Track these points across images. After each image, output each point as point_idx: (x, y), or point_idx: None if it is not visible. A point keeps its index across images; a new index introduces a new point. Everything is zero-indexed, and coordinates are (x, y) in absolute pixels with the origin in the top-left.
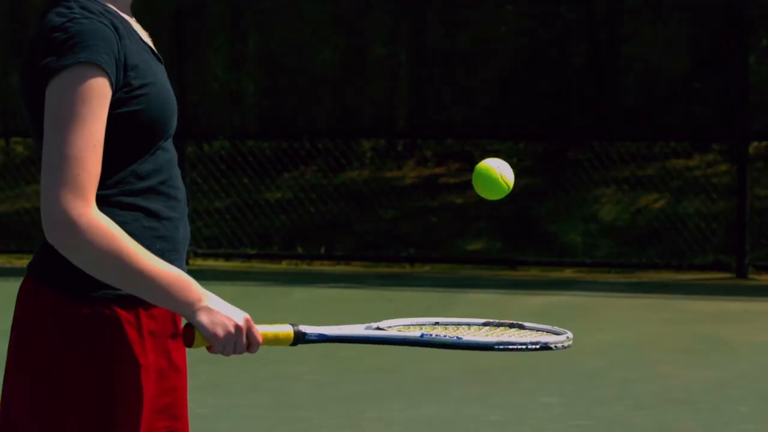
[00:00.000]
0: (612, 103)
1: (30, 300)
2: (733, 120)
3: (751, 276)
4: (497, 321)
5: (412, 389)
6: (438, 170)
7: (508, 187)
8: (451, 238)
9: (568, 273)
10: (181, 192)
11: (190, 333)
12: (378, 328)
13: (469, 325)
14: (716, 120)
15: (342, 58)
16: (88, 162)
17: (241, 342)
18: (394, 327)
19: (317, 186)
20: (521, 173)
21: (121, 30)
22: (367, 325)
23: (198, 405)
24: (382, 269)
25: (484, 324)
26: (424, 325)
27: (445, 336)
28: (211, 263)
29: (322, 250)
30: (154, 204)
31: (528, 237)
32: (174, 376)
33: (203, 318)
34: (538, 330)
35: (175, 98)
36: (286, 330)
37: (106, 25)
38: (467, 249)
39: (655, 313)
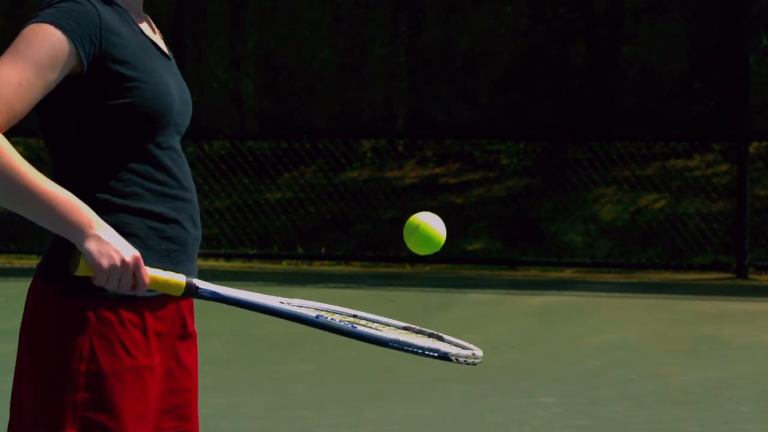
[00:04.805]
0: (612, 103)
1: (34, 300)
2: (733, 120)
3: (750, 276)
4: (417, 328)
5: (412, 389)
6: (438, 170)
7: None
8: (451, 238)
9: (567, 273)
10: (190, 192)
11: (76, 258)
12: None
13: (387, 324)
14: (716, 120)
15: (342, 58)
16: (5, 89)
17: (126, 278)
18: (305, 307)
19: (317, 186)
20: (521, 173)
21: (112, 17)
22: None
23: (198, 405)
24: (382, 269)
25: (404, 328)
26: (341, 313)
27: (340, 322)
28: (211, 263)
29: (323, 250)
30: (158, 206)
31: (528, 237)
32: (183, 377)
33: (91, 245)
34: (453, 344)
35: (185, 96)
36: (178, 279)
37: (93, 4)
38: (467, 249)
39: (655, 313)
